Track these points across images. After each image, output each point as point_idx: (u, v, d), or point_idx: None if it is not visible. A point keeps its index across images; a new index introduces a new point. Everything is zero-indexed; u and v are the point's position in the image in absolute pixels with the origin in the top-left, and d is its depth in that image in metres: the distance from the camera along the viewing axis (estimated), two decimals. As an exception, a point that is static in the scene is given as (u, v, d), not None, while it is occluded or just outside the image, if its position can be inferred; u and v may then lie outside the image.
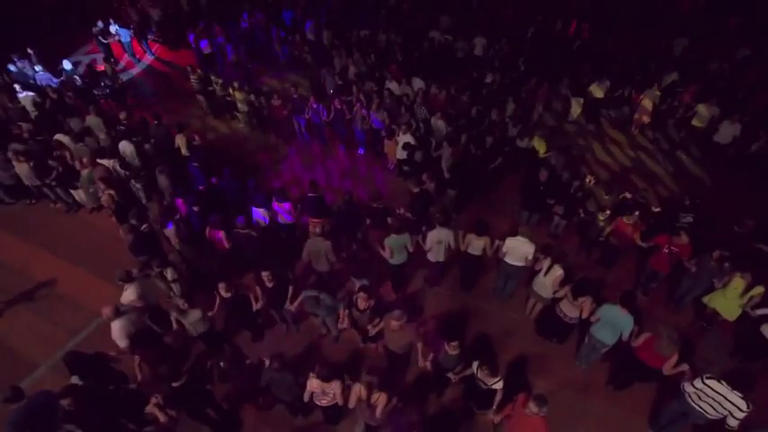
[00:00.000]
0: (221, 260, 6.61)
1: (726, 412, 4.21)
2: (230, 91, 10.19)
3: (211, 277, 6.00)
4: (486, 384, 4.29)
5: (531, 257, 5.72)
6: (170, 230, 6.29)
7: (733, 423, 4.19)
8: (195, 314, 5.23)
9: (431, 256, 6.13)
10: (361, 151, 9.75)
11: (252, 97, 9.96)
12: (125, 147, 8.04)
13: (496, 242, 5.93)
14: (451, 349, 4.55)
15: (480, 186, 8.21)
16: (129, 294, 5.26)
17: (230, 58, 12.40)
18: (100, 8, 14.35)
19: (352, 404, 4.36)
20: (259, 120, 10.32)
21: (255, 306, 5.43)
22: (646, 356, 4.80)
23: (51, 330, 6.22)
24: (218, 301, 5.35)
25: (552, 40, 12.34)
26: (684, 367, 4.57)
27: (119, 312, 4.93)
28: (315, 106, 9.31)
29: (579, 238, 7.21)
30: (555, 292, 5.49)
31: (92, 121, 8.89)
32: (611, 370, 5.68)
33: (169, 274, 5.69)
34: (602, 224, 6.37)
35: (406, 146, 7.92)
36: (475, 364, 4.38)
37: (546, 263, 5.55)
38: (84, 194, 7.83)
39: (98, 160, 7.63)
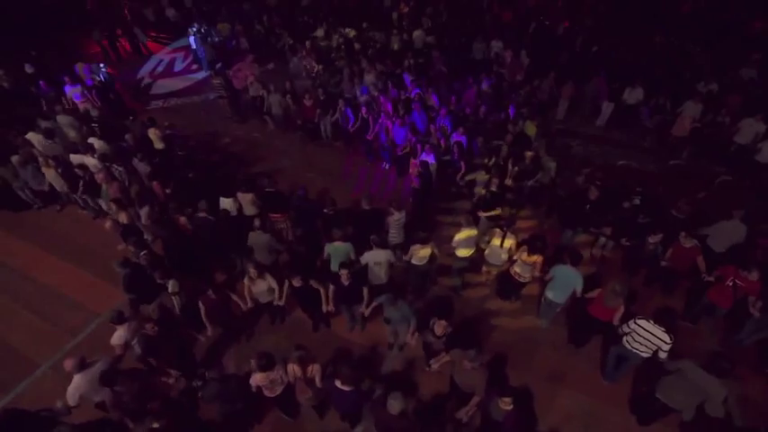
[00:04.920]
0: (190, 243, 6.66)
1: (655, 347, 4.68)
2: (264, 93, 10.07)
3: (186, 259, 6.22)
4: None
5: (478, 241, 5.99)
6: (144, 211, 6.46)
7: (663, 356, 4.67)
8: (263, 284, 5.46)
9: (372, 278, 5.80)
10: (385, 166, 9.35)
11: (288, 98, 9.87)
12: (94, 142, 8.09)
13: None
14: (504, 404, 4.17)
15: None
16: (116, 338, 5.02)
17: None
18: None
19: (292, 379, 4.48)
20: (285, 120, 10.21)
21: (326, 307, 5.55)
22: (596, 311, 5.18)
23: (51, 330, 6.28)
24: (285, 287, 5.55)
25: (553, 39, 12.15)
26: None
27: (83, 366, 4.46)
28: (344, 110, 9.26)
29: (629, 258, 6.74)
30: (512, 256, 5.88)
31: (62, 119, 8.89)
32: (568, 330, 6.03)
33: (171, 286, 5.65)
34: (651, 246, 6.02)
35: (423, 165, 7.47)
36: None
37: (498, 234, 5.91)
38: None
39: (71, 155, 7.87)
